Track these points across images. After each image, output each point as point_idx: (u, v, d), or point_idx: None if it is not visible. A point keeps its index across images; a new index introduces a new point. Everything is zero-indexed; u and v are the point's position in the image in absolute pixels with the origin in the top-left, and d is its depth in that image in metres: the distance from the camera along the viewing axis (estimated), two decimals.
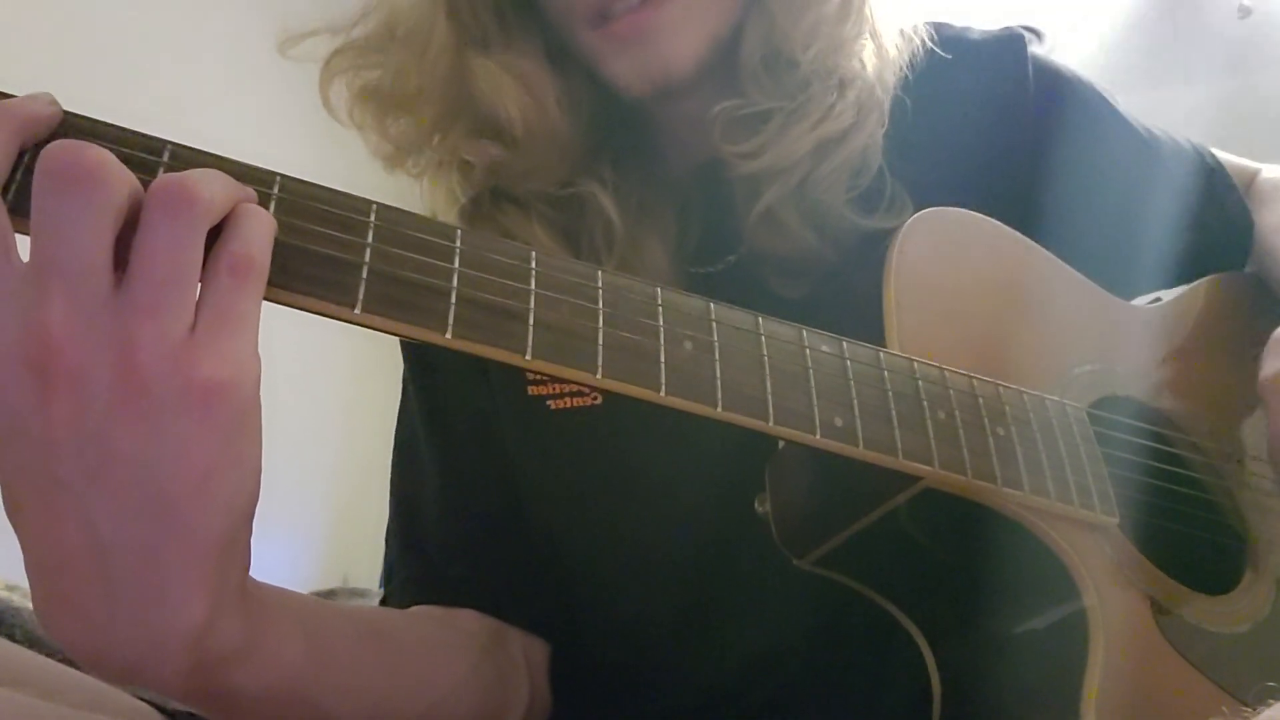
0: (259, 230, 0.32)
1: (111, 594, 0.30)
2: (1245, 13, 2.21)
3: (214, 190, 0.31)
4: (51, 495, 0.29)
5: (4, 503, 0.30)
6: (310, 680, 0.41)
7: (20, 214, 0.30)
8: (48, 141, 0.31)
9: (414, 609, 0.60)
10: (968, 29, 0.68)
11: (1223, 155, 0.76)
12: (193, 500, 0.30)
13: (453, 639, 0.57)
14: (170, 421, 0.30)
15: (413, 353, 0.69)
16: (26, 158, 0.31)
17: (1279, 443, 0.58)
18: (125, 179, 0.30)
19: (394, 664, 0.50)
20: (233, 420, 0.31)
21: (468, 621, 0.60)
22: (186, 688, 0.34)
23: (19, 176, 0.31)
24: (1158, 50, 2.27)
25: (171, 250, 0.30)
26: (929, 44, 0.62)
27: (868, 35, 0.59)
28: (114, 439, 0.29)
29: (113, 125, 0.33)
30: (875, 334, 0.50)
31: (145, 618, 0.31)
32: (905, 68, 0.61)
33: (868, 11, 0.59)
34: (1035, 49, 0.67)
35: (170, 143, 0.34)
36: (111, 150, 0.32)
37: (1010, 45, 0.67)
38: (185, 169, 0.33)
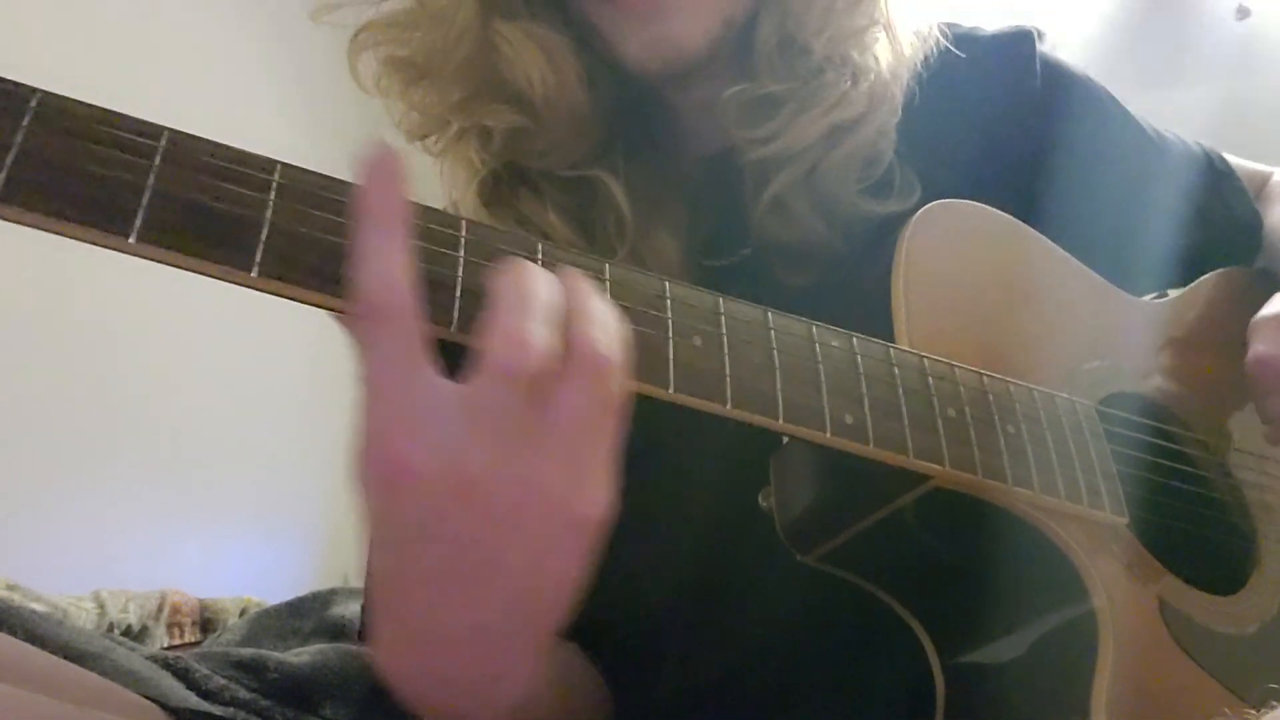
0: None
1: (477, 665, 0.37)
2: (1244, 14, 2.21)
3: (623, 348, 0.35)
4: (448, 586, 0.35)
5: (390, 584, 0.36)
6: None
7: None
8: None
9: None
10: (977, 28, 0.68)
11: (1235, 160, 0.76)
12: (555, 602, 0.37)
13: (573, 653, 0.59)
14: (555, 544, 0.35)
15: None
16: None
17: (1272, 421, 0.58)
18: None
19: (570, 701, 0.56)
20: (591, 543, 0.36)
21: None
22: None
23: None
24: (1155, 51, 2.26)
25: (590, 413, 0.34)
26: (943, 43, 0.63)
27: (881, 28, 0.60)
28: (507, 553, 0.34)
29: (107, 110, 0.32)
30: (881, 324, 0.49)
31: (496, 684, 0.38)
32: (919, 64, 0.61)
33: (881, 4, 0.60)
34: (1043, 47, 0.68)
35: (167, 129, 0.33)
36: (106, 134, 0.31)
37: (1019, 42, 0.67)
38: (182, 156, 0.32)
